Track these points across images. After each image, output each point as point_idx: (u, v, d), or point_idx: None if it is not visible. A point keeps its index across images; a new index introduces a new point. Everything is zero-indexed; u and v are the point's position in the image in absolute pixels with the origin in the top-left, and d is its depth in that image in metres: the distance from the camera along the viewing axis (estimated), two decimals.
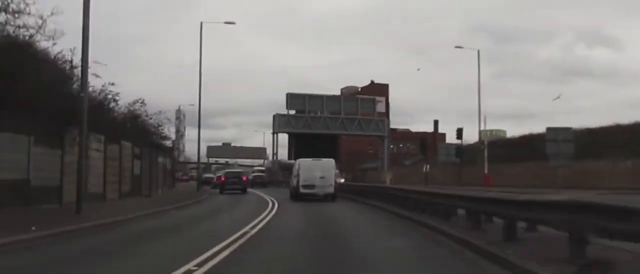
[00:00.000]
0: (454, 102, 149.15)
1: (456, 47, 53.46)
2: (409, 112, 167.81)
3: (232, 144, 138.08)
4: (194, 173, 70.82)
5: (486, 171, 46.40)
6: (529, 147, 42.14)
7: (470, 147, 55.74)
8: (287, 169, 52.61)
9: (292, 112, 70.06)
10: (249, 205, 25.47)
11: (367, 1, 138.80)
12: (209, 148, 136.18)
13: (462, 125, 51.76)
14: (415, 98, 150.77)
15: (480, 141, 52.34)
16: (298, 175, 28.60)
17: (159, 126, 38.50)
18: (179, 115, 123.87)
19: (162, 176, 38.48)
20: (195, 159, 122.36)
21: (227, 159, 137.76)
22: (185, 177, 78.33)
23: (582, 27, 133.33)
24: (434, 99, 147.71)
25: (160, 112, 38.67)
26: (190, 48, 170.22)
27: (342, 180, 51.40)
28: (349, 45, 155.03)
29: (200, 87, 42.77)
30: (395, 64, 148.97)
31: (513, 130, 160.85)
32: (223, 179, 42.23)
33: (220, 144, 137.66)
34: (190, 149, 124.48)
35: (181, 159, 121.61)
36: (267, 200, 28.47)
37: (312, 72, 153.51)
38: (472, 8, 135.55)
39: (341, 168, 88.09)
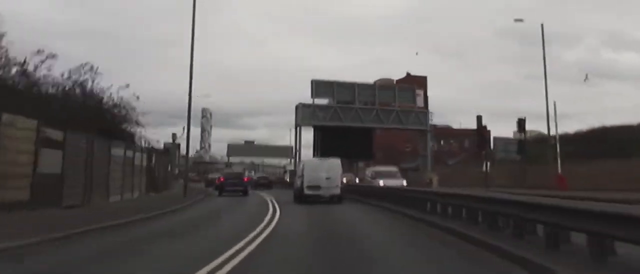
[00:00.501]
0: (486, 102, 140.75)
1: (516, 20, 43.60)
2: (439, 113, 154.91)
3: (256, 143, 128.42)
4: (213, 174, 65.77)
5: (559, 171, 38.94)
6: (602, 142, 38.70)
7: (530, 143, 48.78)
8: None
9: (319, 102, 60.18)
10: (243, 214, 20.27)
11: (395, 2, 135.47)
12: (230, 147, 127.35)
13: (495, 125, 41.80)
14: (446, 97, 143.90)
15: (550, 136, 42.10)
16: (302, 175, 26.94)
17: (120, 106, 28.78)
18: (205, 113, 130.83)
19: (133, 176, 28.85)
20: (220, 159, 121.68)
21: (253, 159, 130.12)
22: (196, 178, 68.24)
23: (607, 30, 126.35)
24: (466, 99, 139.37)
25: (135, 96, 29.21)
26: (218, 49, 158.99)
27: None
28: (378, 47, 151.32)
29: (191, 69, 33.63)
30: (425, 65, 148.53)
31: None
32: (221, 179, 38.50)
33: (242, 142, 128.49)
34: (217, 149, 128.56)
35: (207, 158, 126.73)
36: (267, 203, 25.31)
37: (343, 72, 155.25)
38: (500, 9, 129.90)
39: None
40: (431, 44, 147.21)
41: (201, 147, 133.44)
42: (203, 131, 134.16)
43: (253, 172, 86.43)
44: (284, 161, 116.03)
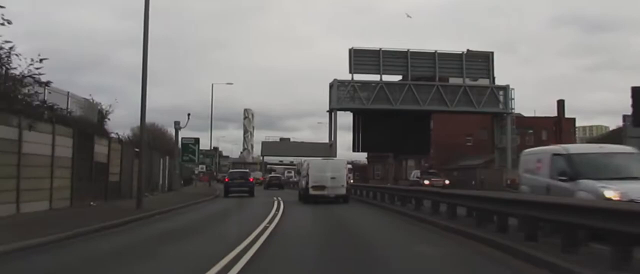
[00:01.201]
0: (540, 97, 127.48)
1: None
2: None
3: (293, 140, 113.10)
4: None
5: None
6: None
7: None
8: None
9: (360, 77, 44.17)
10: (232, 225, 14.57)
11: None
12: (265, 145, 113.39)
13: None
14: None
15: None
16: (307, 175, 25.85)
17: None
18: (247, 114, 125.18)
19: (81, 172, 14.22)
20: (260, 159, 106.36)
21: (291, 159, 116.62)
22: (205, 178, 59.10)
23: None
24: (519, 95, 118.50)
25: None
26: (263, 51, 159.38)
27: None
28: (426, 42, 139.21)
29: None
30: None
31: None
32: (226, 180, 35.51)
33: (277, 139, 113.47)
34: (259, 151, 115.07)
35: (250, 159, 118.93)
36: (272, 205, 23.37)
37: None
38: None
39: (430, 166, 63.10)
40: (480, 38, 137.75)
41: (244, 149, 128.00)
42: (245, 132, 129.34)
43: (272, 172, 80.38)
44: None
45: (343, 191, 25.11)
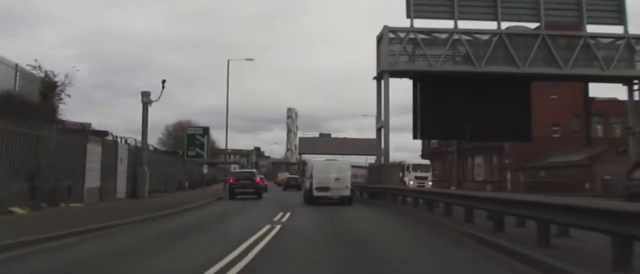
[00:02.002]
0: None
1: None
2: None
3: (334, 136, 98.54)
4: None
5: None
6: None
7: None
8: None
9: (423, 24, 28.73)
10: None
11: None
12: (302, 142, 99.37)
13: None
14: None
15: None
16: (311, 177, 25.52)
17: None
18: (290, 114, 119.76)
19: None
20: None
21: (332, 157, 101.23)
22: (187, 186, 45.63)
23: None
24: None
25: None
26: (307, 52, 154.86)
27: None
28: None
29: None
30: None
31: None
32: (231, 181, 31.93)
33: (316, 134, 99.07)
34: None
35: (293, 159, 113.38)
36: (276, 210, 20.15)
37: None
38: None
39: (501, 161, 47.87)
40: None
41: (287, 149, 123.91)
42: (288, 131, 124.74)
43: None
44: (371, 159, 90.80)
45: (347, 193, 24.81)
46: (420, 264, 8.23)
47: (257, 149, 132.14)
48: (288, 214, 16.88)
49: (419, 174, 41.63)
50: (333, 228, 13.83)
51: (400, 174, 36.26)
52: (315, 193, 24.42)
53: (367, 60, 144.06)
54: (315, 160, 29.73)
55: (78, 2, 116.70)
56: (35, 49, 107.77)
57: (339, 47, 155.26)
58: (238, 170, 42.09)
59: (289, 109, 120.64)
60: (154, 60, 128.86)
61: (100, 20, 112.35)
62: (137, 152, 26.45)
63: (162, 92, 26.45)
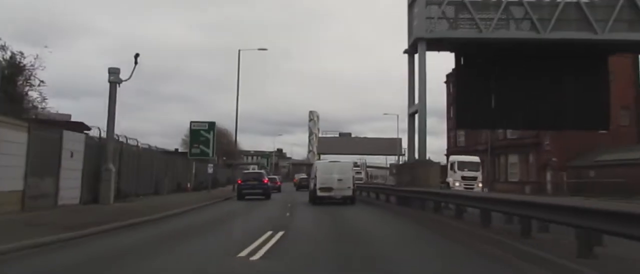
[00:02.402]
0: None
1: None
2: None
3: (354, 135, 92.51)
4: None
5: None
6: None
7: None
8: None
9: None
10: None
11: None
12: (320, 142, 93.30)
13: None
14: None
15: None
16: (315, 177, 25.87)
17: None
18: (312, 116, 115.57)
19: None
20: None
21: (356, 158, 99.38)
22: (189, 187, 40.70)
23: None
24: None
25: None
26: (328, 58, 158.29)
27: None
28: None
29: None
30: None
31: None
32: (239, 182, 31.76)
33: (336, 134, 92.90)
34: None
35: (314, 161, 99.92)
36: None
37: None
38: None
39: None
40: None
41: (309, 151, 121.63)
42: (310, 134, 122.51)
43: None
44: (391, 159, 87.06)
45: (349, 193, 24.94)
46: None
47: (279, 151, 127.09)
48: (279, 234, 11.55)
49: (466, 173, 35.87)
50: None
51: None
52: (319, 193, 24.88)
53: (390, 64, 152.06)
54: (318, 161, 30.11)
55: (113, 13, 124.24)
56: (73, 59, 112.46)
57: (361, 51, 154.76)
58: (246, 171, 39.27)
59: (311, 112, 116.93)
60: (185, 67, 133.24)
61: (135, 30, 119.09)
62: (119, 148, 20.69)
63: (134, 69, 20.58)
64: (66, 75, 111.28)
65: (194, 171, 44.31)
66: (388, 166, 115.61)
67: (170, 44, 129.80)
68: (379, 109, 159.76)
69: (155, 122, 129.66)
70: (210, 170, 39.93)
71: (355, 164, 73.00)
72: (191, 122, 41.59)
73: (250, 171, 41.51)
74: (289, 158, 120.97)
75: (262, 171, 40.61)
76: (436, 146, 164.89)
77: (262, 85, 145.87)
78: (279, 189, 43.31)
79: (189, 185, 40.56)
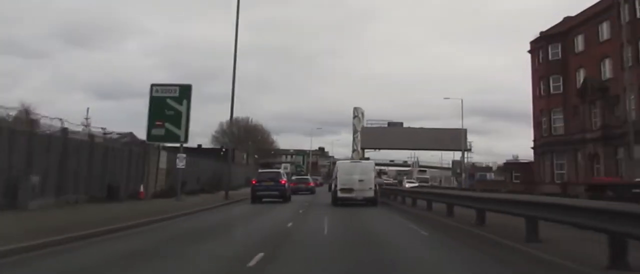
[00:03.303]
0: None
1: None
2: None
3: (407, 125, 74.90)
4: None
5: None
6: None
7: None
8: None
9: None
10: None
11: None
12: (364, 133, 75.94)
13: None
14: None
15: None
16: (336, 178, 25.55)
17: None
18: (357, 113, 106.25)
19: None
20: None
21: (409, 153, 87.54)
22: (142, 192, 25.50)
23: None
24: None
25: None
26: (374, 57, 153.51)
27: None
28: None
29: None
30: None
31: None
32: (253, 182, 28.74)
33: (384, 123, 75.32)
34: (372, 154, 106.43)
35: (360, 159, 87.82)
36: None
37: (502, 74, 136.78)
38: None
39: None
40: None
41: (353, 150, 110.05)
42: (355, 132, 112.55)
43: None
44: (453, 155, 71.04)
45: (371, 194, 24.55)
46: None
47: (321, 150, 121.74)
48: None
49: None
50: None
51: None
52: (340, 194, 24.37)
53: (435, 67, 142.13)
54: (340, 161, 28.87)
55: (158, 15, 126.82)
56: (118, 60, 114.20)
57: (407, 50, 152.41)
58: (262, 171, 34.22)
59: (356, 108, 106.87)
60: (228, 68, 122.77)
61: (178, 31, 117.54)
62: None
63: None
64: (110, 75, 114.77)
65: (164, 166, 27.68)
66: (442, 166, 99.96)
67: (214, 44, 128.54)
68: (425, 110, 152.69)
69: (196, 123, 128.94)
70: (181, 163, 23.59)
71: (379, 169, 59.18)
72: (152, 85, 25.23)
73: (266, 170, 36.20)
74: (331, 157, 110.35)
75: (279, 170, 35.70)
76: (498, 148, 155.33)
77: (306, 84, 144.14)
78: (312, 191, 40.77)
79: (142, 189, 23.91)
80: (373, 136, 72.86)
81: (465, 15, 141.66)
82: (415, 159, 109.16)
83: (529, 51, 52.32)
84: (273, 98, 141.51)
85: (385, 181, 63.30)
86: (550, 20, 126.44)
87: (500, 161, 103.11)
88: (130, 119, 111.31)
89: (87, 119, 60.63)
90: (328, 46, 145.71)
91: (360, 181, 24.41)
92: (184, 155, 25.41)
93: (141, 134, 26.44)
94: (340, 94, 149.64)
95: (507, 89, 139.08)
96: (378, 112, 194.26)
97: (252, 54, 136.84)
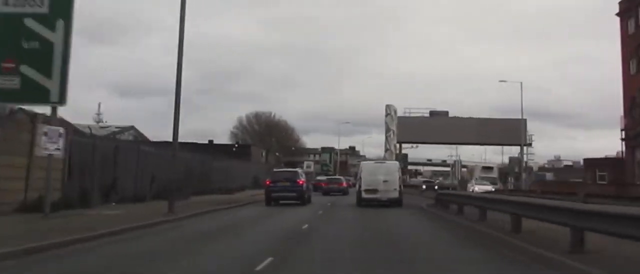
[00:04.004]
0: None
1: None
2: None
3: (453, 115, 61.44)
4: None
5: None
6: None
7: None
8: None
9: None
10: None
11: None
12: (402, 123, 62.92)
13: None
14: None
15: None
16: (360, 179, 25.32)
17: None
18: (389, 111, 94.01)
19: None
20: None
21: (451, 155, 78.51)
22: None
23: None
24: None
25: None
26: (406, 58, 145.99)
27: None
28: (576, 42, 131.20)
29: None
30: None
31: None
32: (267, 183, 26.30)
33: (425, 112, 62.25)
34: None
35: (392, 159, 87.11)
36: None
37: (536, 73, 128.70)
38: None
39: None
40: None
41: (386, 150, 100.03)
42: (387, 131, 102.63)
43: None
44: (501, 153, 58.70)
45: (396, 195, 24.11)
46: None
47: (351, 149, 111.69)
48: None
49: None
50: None
51: None
52: (364, 195, 24.18)
53: (465, 65, 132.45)
54: (364, 162, 29.31)
55: (179, 12, 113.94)
56: (139, 56, 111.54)
57: (436, 49, 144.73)
58: (277, 170, 31.46)
59: (388, 106, 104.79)
60: (253, 66, 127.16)
61: (201, 28, 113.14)
62: None
63: None
64: (130, 73, 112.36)
65: (59, 153, 14.45)
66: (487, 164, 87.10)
67: (238, 42, 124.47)
68: (458, 109, 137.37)
69: (221, 122, 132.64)
70: (53, 147, 10.13)
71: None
72: None
73: (283, 169, 34.13)
74: (363, 156, 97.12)
75: (297, 169, 32.13)
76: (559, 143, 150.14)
77: (335, 83, 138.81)
78: (344, 192, 38.28)
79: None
80: (412, 127, 60.08)
81: (497, 14, 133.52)
82: (457, 157, 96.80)
83: (618, 14, 38.92)
84: (300, 97, 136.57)
85: (434, 183, 51.05)
86: (581, 18, 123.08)
87: (542, 162, 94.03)
88: (151, 116, 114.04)
89: (98, 115, 57.62)
90: (357, 44, 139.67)
91: (385, 181, 24.21)
92: (60, 129, 13.15)
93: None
94: (370, 93, 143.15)
95: (538, 89, 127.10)
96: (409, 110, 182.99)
97: (277, 52, 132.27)
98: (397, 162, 28.75)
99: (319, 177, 53.65)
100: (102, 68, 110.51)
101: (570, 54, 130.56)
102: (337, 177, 48.38)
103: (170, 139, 17.03)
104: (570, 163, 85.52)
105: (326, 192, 37.19)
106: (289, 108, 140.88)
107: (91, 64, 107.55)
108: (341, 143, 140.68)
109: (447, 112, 61.98)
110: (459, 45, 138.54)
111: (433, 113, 61.80)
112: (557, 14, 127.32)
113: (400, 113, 62.49)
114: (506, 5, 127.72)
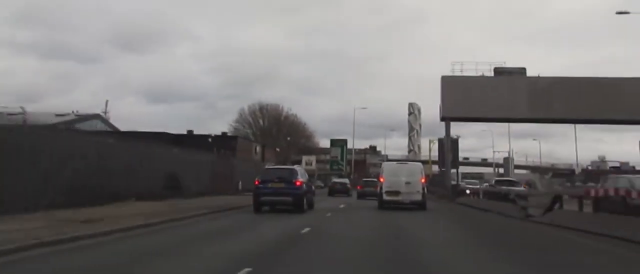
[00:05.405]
0: None
1: None
2: None
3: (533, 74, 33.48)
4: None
5: None
6: None
7: None
8: None
9: None
10: None
11: None
12: (447, 86, 36.48)
13: None
14: None
15: None
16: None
17: None
18: (412, 110, 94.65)
19: None
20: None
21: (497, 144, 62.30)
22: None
23: None
24: None
25: None
26: (429, 61, 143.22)
27: None
28: (604, 45, 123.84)
29: None
30: None
31: None
32: (257, 183, 20.51)
33: (487, 70, 35.40)
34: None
35: (417, 159, 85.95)
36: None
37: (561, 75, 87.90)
38: None
39: None
40: None
41: (410, 150, 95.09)
42: (410, 130, 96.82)
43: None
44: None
45: (419, 197, 22.88)
46: None
47: (373, 148, 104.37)
48: None
49: None
50: None
51: None
52: (385, 197, 23.12)
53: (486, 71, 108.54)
54: (385, 163, 28.30)
55: (208, 20, 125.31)
56: (170, 64, 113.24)
57: (459, 54, 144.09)
58: (269, 167, 26.41)
59: (411, 104, 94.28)
60: (279, 72, 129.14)
61: (229, 36, 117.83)
62: None
63: None
64: (161, 80, 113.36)
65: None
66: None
67: (265, 48, 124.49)
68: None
69: (248, 125, 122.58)
70: None
71: None
72: None
73: (275, 167, 27.26)
74: (385, 156, 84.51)
75: (294, 167, 24.54)
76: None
77: (359, 88, 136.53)
78: (348, 193, 38.95)
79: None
80: (466, 94, 33.88)
81: (521, 17, 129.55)
82: (511, 154, 73.51)
83: None
84: (323, 101, 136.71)
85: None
86: (602, 21, 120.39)
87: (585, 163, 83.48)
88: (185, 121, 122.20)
89: (105, 113, 57.88)
90: (379, 49, 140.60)
91: (407, 183, 22.64)
92: None
93: None
94: (392, 97, 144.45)
95: None
96: (432, 114, 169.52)
97: (303, 58, 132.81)
98: (420, 164, 25.85)
99: (335, 179, 48.01)
100: (135, 75, 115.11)
101: (603, 57, 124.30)
102: (373, 179, 35.53)
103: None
104: (617, 164, 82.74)
105: (361, 196, 33.34)
106: (313, 114, 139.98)
107: (121, 71, 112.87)
108: (361, 144, 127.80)
109: (524, 70, 35.59)
110: (482, 48, 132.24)
111: (498, 71, 35.41)
112: (579, 17, 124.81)
113: (446, 72, 35.92)
114: (536, 8, 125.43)
